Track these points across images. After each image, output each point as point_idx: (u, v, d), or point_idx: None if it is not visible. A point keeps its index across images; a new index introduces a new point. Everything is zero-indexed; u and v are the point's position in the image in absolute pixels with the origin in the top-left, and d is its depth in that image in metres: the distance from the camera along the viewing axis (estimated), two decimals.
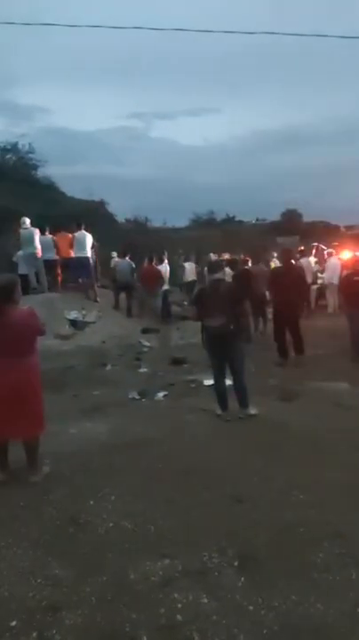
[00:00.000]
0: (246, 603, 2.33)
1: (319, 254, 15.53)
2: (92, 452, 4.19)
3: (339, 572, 2.54)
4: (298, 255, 12.65)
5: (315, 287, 13.09)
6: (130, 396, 6.05)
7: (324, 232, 22.77)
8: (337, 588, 2.43)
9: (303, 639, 2.11)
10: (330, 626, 2.18)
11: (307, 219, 30.52)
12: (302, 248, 14.50)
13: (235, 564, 2.62)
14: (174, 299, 13.13)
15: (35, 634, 2.17)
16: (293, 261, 9.06)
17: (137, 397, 6.04)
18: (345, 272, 10.11)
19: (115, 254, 13.43)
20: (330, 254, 13.99)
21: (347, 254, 12.86)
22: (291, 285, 7.37)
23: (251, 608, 2.29)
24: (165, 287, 12.05)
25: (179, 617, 2.24)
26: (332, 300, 12.24)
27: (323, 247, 15.98)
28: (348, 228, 25.85)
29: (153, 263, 12.07)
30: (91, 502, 3.33)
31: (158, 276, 11.70)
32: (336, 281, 11.58)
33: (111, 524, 3.06)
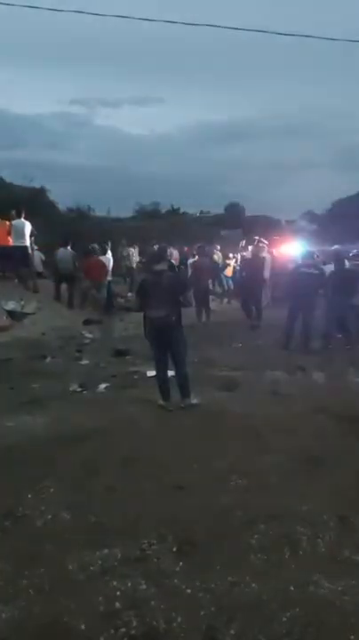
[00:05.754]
0: (184, 586, 2.37)
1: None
2: (31, 445, 4.10)
3: (273, 553, 2.64)
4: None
5: None
6: (70, 389, 5.95)
7: (266, 226, 23.24)
8: (271, 567, 2.53)
9: (238, 618, 2.18)
10: (264, 604, 2.26)
11: (249, 212, 31.05)
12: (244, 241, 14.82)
13: (174, 549, 2.67)
14: (117, 290, 13.02)
15: None
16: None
17: (78, 389, 5.94)
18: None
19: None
20: (261, 248, 14.30)
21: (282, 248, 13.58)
22: (257, 268, 10.65)
23: (188, 591, 2.34)
24: (109, 278, 11.92)
25: (117, 604, 2.25)
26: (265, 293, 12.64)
27: (263, 241, 16.35)
28: (289, 222, 26.65)
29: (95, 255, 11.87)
30: (29, 495, 3.27)
31: (102, 267, 11.54)
32: (267, 275, 12.21)
33: (49, 516, 3.03)
